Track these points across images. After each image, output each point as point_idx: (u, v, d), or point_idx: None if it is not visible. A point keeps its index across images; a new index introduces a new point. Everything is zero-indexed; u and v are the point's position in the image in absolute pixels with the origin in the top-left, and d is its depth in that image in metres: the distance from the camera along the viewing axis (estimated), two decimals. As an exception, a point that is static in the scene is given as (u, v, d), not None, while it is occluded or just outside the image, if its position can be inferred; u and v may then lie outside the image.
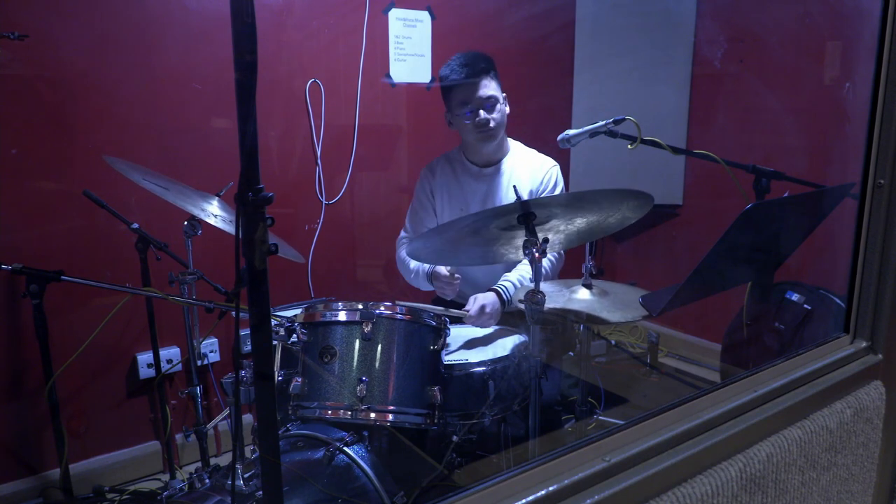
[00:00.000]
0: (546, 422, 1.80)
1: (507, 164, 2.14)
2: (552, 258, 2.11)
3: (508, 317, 2.04)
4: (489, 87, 1.99)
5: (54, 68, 2.08)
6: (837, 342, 1.37)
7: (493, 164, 2.14)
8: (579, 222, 1.61)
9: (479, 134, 2.02)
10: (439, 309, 1.82)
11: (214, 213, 1.84)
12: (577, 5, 3.24)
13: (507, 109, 2.07)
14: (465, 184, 2.17)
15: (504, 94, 2.06)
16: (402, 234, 2.28)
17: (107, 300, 2.15)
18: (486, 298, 1.92)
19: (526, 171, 2.14)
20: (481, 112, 1.99)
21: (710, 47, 3.10)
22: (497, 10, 3.03)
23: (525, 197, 1.43)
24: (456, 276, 1.97)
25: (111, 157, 1.81)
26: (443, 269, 1.97)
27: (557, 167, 2.17)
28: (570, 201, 1.61)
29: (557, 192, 2.15)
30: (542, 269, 2.08)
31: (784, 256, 1.88)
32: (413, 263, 2.11)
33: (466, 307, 1.91)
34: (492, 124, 2.01)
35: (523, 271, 2.07)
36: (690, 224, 3.29)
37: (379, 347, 1.47)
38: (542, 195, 2.11)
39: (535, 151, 2.20)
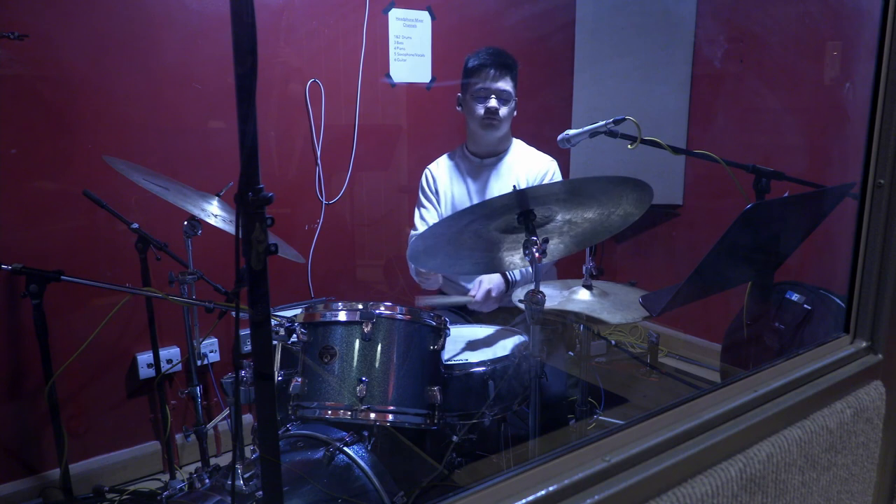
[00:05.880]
0: (550, 420, 1.80)
1: (508, 158, 2.21)
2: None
3: (508, 316, 2.04)
4: (507, 83, 2.09)
5: (54, 68, 2.08)
6: (837, 342, 1.37)
7: (494, 156, 2.20)
8: (581, 222, 1.60)
9: (485, 121, 2.09)
10: (447, 300, 1.84)
11: (214, 213, 1.84)
12: (577, 5, 3.24)
13: (516, 112, 2.15)
14: (467, 177, 2.22)
15: (516, 98, 2.13)
16: (413, 234, 2.25)
17: (107, 300, 2.15)
18: (492, 281, 1.96)
19: (525, 166, 2.20)
20: (493, 99, 2.06)
21: (710, 47, 3.10)
22: (497, 10, 3.03)
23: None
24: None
25: (111, 157, 1.81)
26: None
27: (555, 163, 2.22)
28: (567, 191, 1.56)
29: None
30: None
31: (784, 256, 1.88)
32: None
33: (472, 292, 1.95)
34: (500, 114, 2.08)
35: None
36: (690, 224, 3.29)
37: (379, 347, 1.47)
38: None
39: (534, 149, 2.25)
